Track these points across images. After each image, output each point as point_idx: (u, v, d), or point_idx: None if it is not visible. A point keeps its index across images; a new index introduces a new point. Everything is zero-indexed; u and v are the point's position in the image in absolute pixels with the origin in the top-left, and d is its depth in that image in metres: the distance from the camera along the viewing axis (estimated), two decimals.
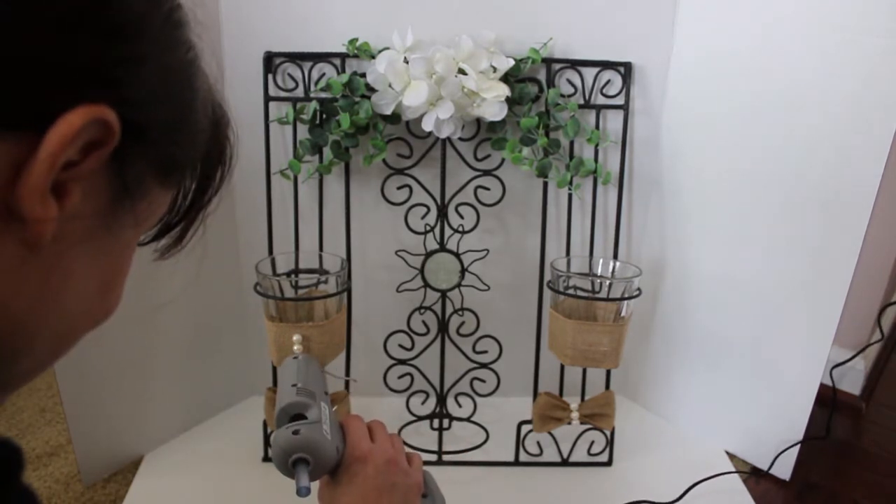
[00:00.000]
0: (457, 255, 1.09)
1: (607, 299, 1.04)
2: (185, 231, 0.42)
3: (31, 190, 0.26)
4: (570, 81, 1.07)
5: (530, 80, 1.06)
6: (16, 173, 0.26)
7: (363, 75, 1.01)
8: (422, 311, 1.13)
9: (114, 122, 0.28)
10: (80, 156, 0.28)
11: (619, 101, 1.08)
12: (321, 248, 1.11)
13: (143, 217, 0.34)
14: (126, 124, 0.28)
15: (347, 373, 1.12)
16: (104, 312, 0.36)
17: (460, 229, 1.10)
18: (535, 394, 1.13)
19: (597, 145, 1.09)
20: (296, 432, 0.61)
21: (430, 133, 1.01)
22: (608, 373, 1.13)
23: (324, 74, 1.05)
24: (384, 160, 1.06)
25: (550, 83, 1.06)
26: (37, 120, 0.26)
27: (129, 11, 0.29)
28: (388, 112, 1.00)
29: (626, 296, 1.03)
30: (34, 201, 0.27)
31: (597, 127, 1.09)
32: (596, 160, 1.09)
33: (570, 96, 1.08)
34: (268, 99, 1.04)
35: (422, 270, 1.09)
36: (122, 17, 0.28)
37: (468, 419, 1.18)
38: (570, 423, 1.09)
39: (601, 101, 1.09)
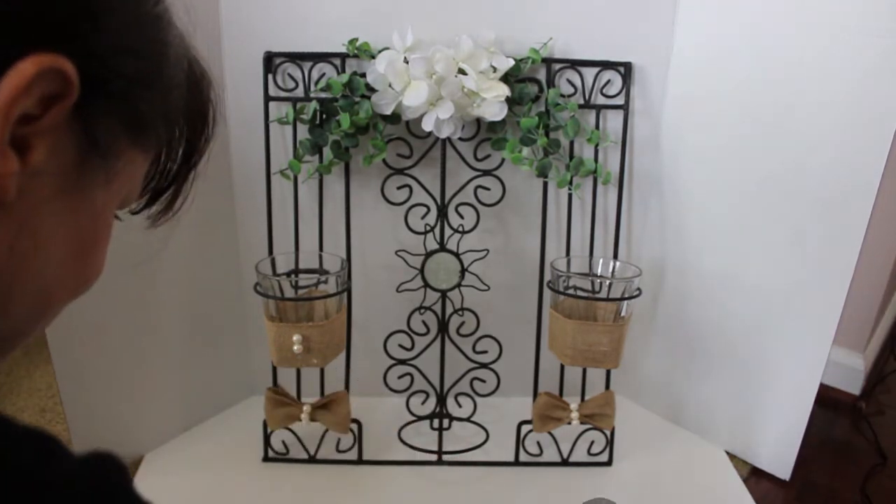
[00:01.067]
0: (457, 255, 1.09)
1: (607, 299, 1.04)
2: (175, 196, 0.42)
3: None
4: (570, 81, 1.07)
5: (530, 80, 1.06)
6: None
7: (363, 75, 1.01)
8: (422, 311, 1.13)
9: (71, 73, 0.27)
10: (40, 109, 0.27)
11: (619, 101, 1.08)
12: (321, 248, 1.11)
13: (116, 177, 0.33)
14: (88, 77, 0.28)
15: (347, 372, 1.12)
16: (83, 280, 0.35)
17: (460, 229, 1.10)
18: (535, 394, 1.13)
19: (597, 145, 1.09)
20: None
21: (430, 133, 1.01)
22: (608, 373, 1.13)
23: (324, 74, 1.05)
24: (384, 160, 1.06)
25: (550, 83, 1.06)
26: None
27: None
28: (388, 112, 1.00)
29: (626, 296, 1.03)
30: None
31: (597, 127, 1.09)
32: (596, 160, 1.09)
33: (570, 96, 1.08)
34: (268, 99, 1.04)
35: (422, 270, 1.09)
36: None
37: (468, 419, 1.18)
38: (570, 423, 1.09)
39: (601, 101, 1.09)
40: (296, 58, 1.04)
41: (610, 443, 1.14)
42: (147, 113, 0.34)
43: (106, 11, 0.29)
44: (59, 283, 0.34)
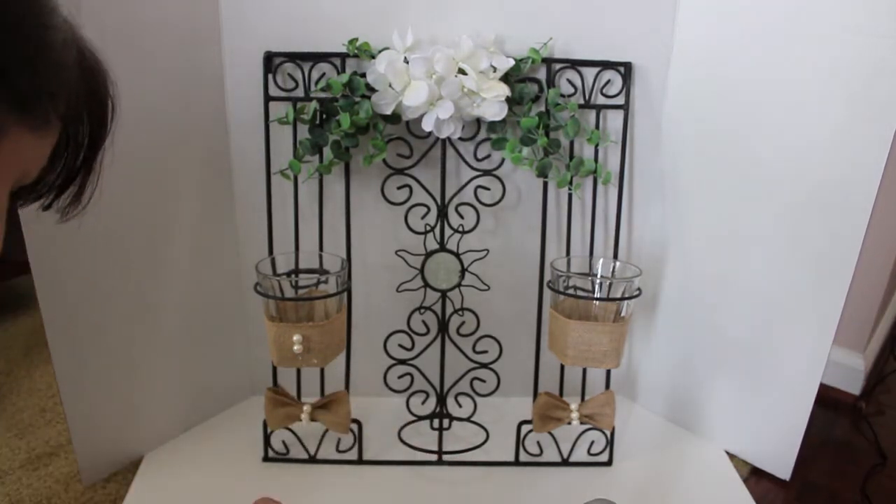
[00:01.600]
0: (457, 255, 1.09)
1: (607, 299, 1.04)
2: (81, 189, 0.42)
3: None
4: (570, 81, 1.07)
5: (530, 80, 1.06)
6: None
7: (363, 75, 1.01)
8: (422, 311, 1.13)
9: None
10: None
11: (619, 100, 1.08)
12: (321, 248, 1.11)
13: (2, 155, 0.34)
14: None
15: (347, 372, 1.12)
16: None
17: (460, 229, 1.10)
18: (535, 394, 1.13)
19: (597, 145, 1.09)
20: None
21: (430, 133, 1.01)
22: (608, 373, 1.13)
23: (324, 74, 1.05)
24: (384, 160, 1.06)
25: (550, 83, 1.06)
26: None
27: None
28: (388, 112, 1.00)
29: (626, 296, 1.03)
30: None
31: (597, 127, 1.09)
32: (596, 160, 1.09)
33: (570, 96, 1.08)
34: (268, 99, 1.04)
35: (422, 270, 1.09)
36: None
37: (468, 419, 1.18)
38: (570, 423, 1.09)
39: (601, 100, 1.09)
40: (296, 58, 1.04)
41: (610, 443, 1.14)
42: (30, 89, 0.34)
43: None
44: None
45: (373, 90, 1.00)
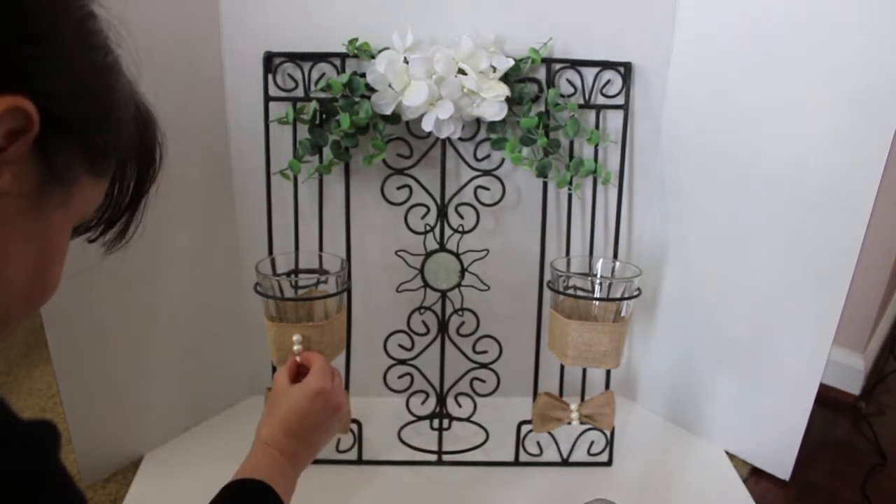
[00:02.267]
0: (457, 255, 1.09)
1: (607, 299, 1.04)
2: (126, 225, 0.47)
3: None
4: (570, 81, 1.07)
5: (530, 80, 1.06)
6: None
7: (363, 75, 1.01)
8: (422, 311, 1.13)
9: (32, 111, 0.32)
10: (6, 142, 0.32)
11: (619, 101, 1.08)
12: (321, 248, 1.11)
13: (72, 199, 0.38)
14: (46, 114, 0.33)
15: (347, 372, 1.12)
16: (40, 293, 0.39)
17: (460, 229, 1.10)
18: (535, 394, 1.13)
19: (597, 145, 1.09)
20: None
21: (430, 133, 1.01)
22: (608, 373, 1.13)
23: (324, 74, 1.05)
24: (384, 160, 1.06)
25: (550, 83, 1.06)
26: None
27: (42, 20, 0.34)
28: (388, 112, 1.00)
29: (626, 296, 1.03)
30: None
31: (597, 127, 1.09)
32: (596, 160, 1.09)
33: (570, 96, 1.07)
34: (268, 99, 1.04)
35: (422, 270, 1.09)
36: (35, 26, 0.33)
37: (468, 419, 1.18)
38: (570, 423, 1.09)
39: (601, 101, 1.09)
40: (296, 58, 1.04)
41: (610, 443, 1.14)
42: (101, 146, 0.39)
43: (57, 60, 0.35)
44: (21, 297, 0.38)
45: (373, 90, 1.00)
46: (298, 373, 0.79)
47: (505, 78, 1.02)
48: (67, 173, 0.37)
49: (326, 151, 1.05)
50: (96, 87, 0.38)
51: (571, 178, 1.08)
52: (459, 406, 1.20)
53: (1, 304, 0.37)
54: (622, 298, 1.03)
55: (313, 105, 1.02)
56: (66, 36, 0.35)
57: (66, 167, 0.37)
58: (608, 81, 1.08)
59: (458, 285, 1.10)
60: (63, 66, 0.35)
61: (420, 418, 1.18)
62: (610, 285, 1.05)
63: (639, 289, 1.03)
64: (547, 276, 1.09)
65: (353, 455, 1.13)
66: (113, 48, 0.40)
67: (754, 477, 1.15)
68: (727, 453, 1.19)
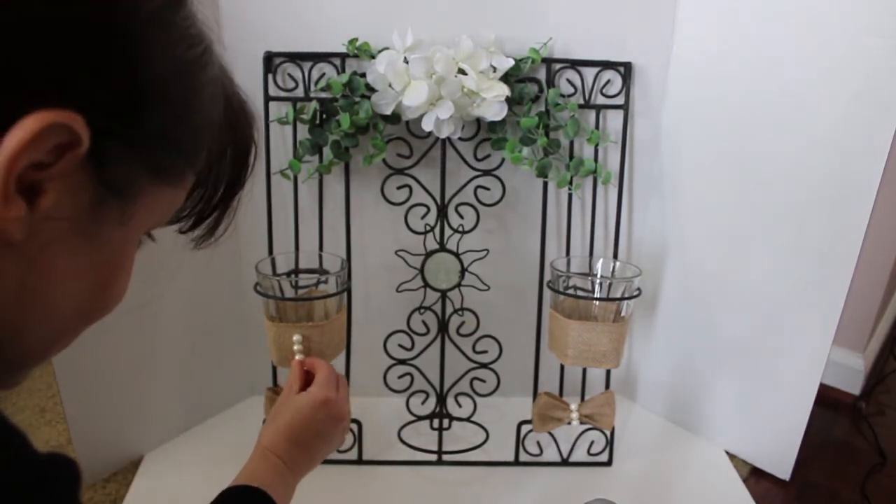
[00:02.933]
0: (457, 255, 1.09)
1: (607, 299, 1.04)
2: (217, 222, 0.43)
3: None
4: (570, 81, 1.07)
5: (530, 80, 1.06)
6: None
7: (363, 75, 1.01)
8: (422, 311, 1.13)
9: (79, 127, 0.28)
10: (53, 157, 0.28)
11: (619, 101, 1.08)
12: (321, 248, 1.11)
13: (135, 214, 0.34)
14: (102, 128, 0.29)
15: (348, 372, 1.12)
16: (101, 308, 0.36)
17: (460, 229, 1.10)
18: (535, 394, 1.13)
19: (597, 145, 1.09)
20: None
21: (430, 133, 1.01)
22: (608, 373, 1.13)
23: (324, 74, 1.05)
24: (384, 160, 1.06)
25: (550, 83, 1.06)
26: None
27: (103, 21, 0.29)
28: (388, 112, 1.00)
29: (626, 296, 1.03)
30: None
31: (597, 127, 1.09)
32: (596, 160, 1.09)
33: (570, 96, 1.08)
34: (268, 99, 1.04)
35: (422, 270, 1.09)
36: (94, 26, 0.28)
37: (468, 419, 1.18)
38: (570, 423, 1.09)
39: (601, 101, 1.09)
40: (296, 58, 1.04)
41: (610, 443, 1.14)
42: (171, 156, 0.34)
43: (128, 65, 0.30)
44: (76, 313, 0.35)
45: (373, 90, 1.00)
46: (306, 380, 0.79)
47: (505, 78, 1.02)
48: (127, 188, 0.32)
49: (326, 151, 1.05)
50: (170, 90, 0.32)
51: (571, 178, 1.08)
52: (459, 406, 1.20)
53: (53, 321, 0.34)
54: (622, 298, 1.03)
55: (313, 105, 1.02)
56: (135, 34, 0.30)
57: (125, 182, 0.32)
58: (608, 81, 1.08)
59: (458, 285, 1.10)
60: (126, 72, 0.30)
61: (420, 418, 1.18)
62: (610, 285, 1.05)
63: (639, 289, 1.03)
64: (547, 276, 1.09)
65: (353, 455, 1.13)
66: (200, 37, 0.34)
67: (754, 477, 1.15)
68: (727, 453, 1.19)
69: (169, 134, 0.33)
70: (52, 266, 0.31)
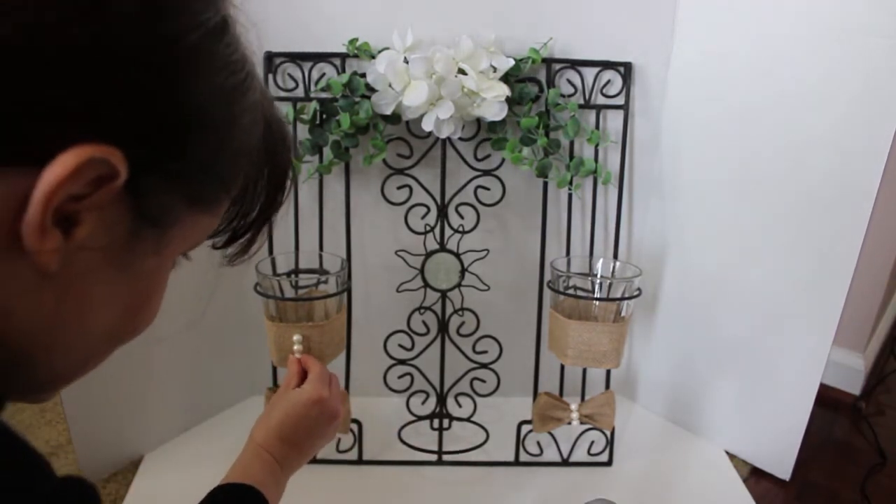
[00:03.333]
0: (457, 255, 1.09)
1: (607, 299, 1.04)
2: (251, 241, 0.43)
3: (29, 224, 0.27)
4: (570, 81, 1.07)
5: (530, 80, 1.06)
6: (21, 205, 0.27)
7: (363, 75, 1.01)
8: (422, 311, 1.13)
9: (117, 162, 0.27)
10: (90, 188, 0.28)
11: (619, 101, 1.08)
12: (321, 248, 1.11)
13: (171, 242, 0.34)
14: (140, 161, 0.29)
15: (347, 372, 1.12)
16: (131, 332, 0.36)
17: (460, 229, 1.10)
18: (535, 394, 1.13)
19: (597, 145, 1.09)
20: None
21: (430, 133, 1.01)
22: (608, 373, 1.13)
23: (324, 74, 1.05)
24: (384, 160, 1.06)
25: (550, 83, 1.06)
26: (36, 157, 0.26)
27: (145, 54, 0.28)
28: (388, 112, 1.00)
29: (626, 296, 1.03)
30: (33, 235, 0.27)
31: (597, 127, 1.09)
32: (596, 160, 1.09)
33: (570, 96, 1.07)
34: None
35: (422, 270, 1.09)
36: (135, 60, 0.28)
37: (468, 419, 1.18)
38: (570, 423, 1.09)
39: (601, 101, 1.09)
40: (296, 58, 1.04)
41: (610, 443, 1.14)
42: (207, 188, 0.34)
43: (167, 97, 0.29)
44: (107, 337, 0.35)
45: (373, 90, 1.00)
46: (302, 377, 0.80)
47: (505, 78, 1.02)
48: (164, 217, 0.32)
49: (326, 151, 1.05)
50: (210, 119, 0.32)
51: (571, 178, 1.08)
52: (459, 406, 1.19)
53: (84, 345, 0.34)
54: (622, 298, 1.03)
55: (313, 105, 1.02)
56: (176, 66, 0.29)
57: (162, 212, 0.32)
58: (608, 81, 1.08)
59: (458, 285, 1.10)
60: (167, 104, 0.29)
61: (420, 418, 1.18)
62: (610, 285, 1.05)
63: (639, 289, 1.03)
64: (547, 276, 1.09)
65: (353, 455, 1.13)
66: (242, 62, 0.34)
67: (754, 477, 1.15)
68: (727, 453, 1.19)
69: (208, 163, 0.33)
70: (85, 294, 0.31)
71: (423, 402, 1.20)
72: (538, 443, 1.16)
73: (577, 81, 1.07)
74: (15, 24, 0.25)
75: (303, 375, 0.80)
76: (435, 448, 1.14)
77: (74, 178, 0.27)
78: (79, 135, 0.27)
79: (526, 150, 1.06)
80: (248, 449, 0.71)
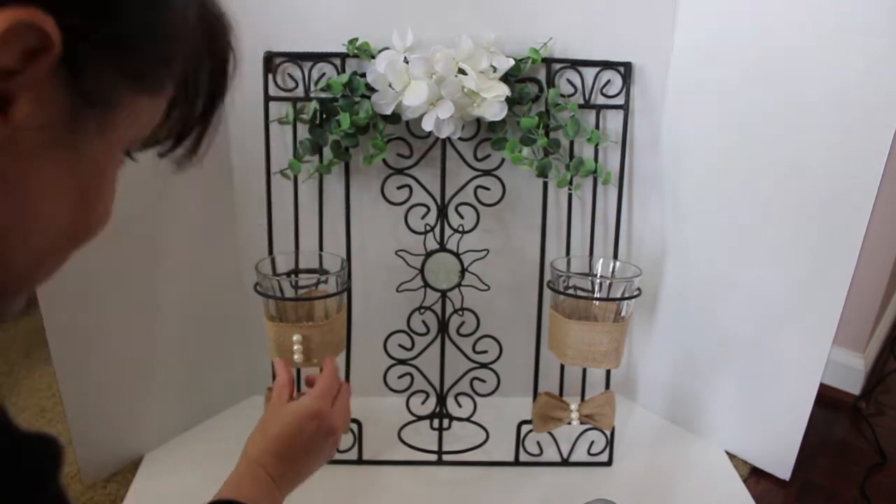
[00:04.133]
0: (457, 255, 1.09)
1: (607, 299, 1.04)
2: (198, 140, 0.41)
3: None
4: (570, 81, 1.07)
5: (530, 80, 1.06)
6: None
7: (363, 75, 1.01)
8: (422, 311, 1.13)
9: (49, 28, 0.26)
10: (21, 63, 0.26)
11: (619, 101, 1.08)
12: (321, 248, 1.11)
13: (114, 125, 0.32)
14: (74, 30, 0.27)
15: (348, 372, 1.12)
16: (86, 229, 0.35)
17: (460, 229, 1.10)
18: (535, 394, 1.13)
19: (597, 145, 1.09)
20: None
21: (430, 133, 1.01)
22: (608, 373, 1.13)
23: (324, 74, 1.05)
24: (384, 160, 1.06)
25: (550, 83, 1.06)
26: None
27: None
28: (388, 112, 1.00)
29: (626, 296, 1.03)
30: None
31: (597, 127, 1.09)
32: (596, 160, 1.09)
33: (570, 96, 1.07)
34: (268, 99, 1.04)
35: (422, 270, 1.09)
36: None
37: (468, 419, 1.18)
38: (570, 423, 1.09)
39: (601, 101, 1.09)
40: (296, 58, 1.04)
41: (610, 443, 1.14)
42: (146, 61, 0.33)
43: None
44: (60, 233, 0.33)
45: (373, 90, 1.00)
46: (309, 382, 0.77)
47: (505, 78, 1.02)
48: (104, 96, 0.31)
49: (326, 151, 1.05)
50: None
51: (571, 178, 1.08)
52: (459, 406, 1.19)
53: (38, 241, 0.32)
54: (622, 298, 1.03)
55: (313, 105, 1.02)
56: None
57: (102, 89, 0.31)
58: (608, 81, 1.08)
59: (458, 285, 1.10)
60: None
61: (420, 418, 1.18)
62: (610, 285, 1.05)
63: (639, 289, 1.03)
64: (547, 276, 1.09)
65: (353, 455, 1.13)
66: None
67: (754, 477, 1.15)
68: (727, 453, 1.19)
69: (143, 33, 0.32)
70: (32, 181, 0.30)
71: (423, 402, 1.20)
72: (538, 443, 1.16)
73: (577, 81, 1.07)
74: None
75: (292, 387, 0.77)
76: (435, 448, 1.14)
77: (2, 48, 0.25)
78: (4, 1, 0.25)
79: (526, 150, 1.06)
80: (241, 464, 0.67)
